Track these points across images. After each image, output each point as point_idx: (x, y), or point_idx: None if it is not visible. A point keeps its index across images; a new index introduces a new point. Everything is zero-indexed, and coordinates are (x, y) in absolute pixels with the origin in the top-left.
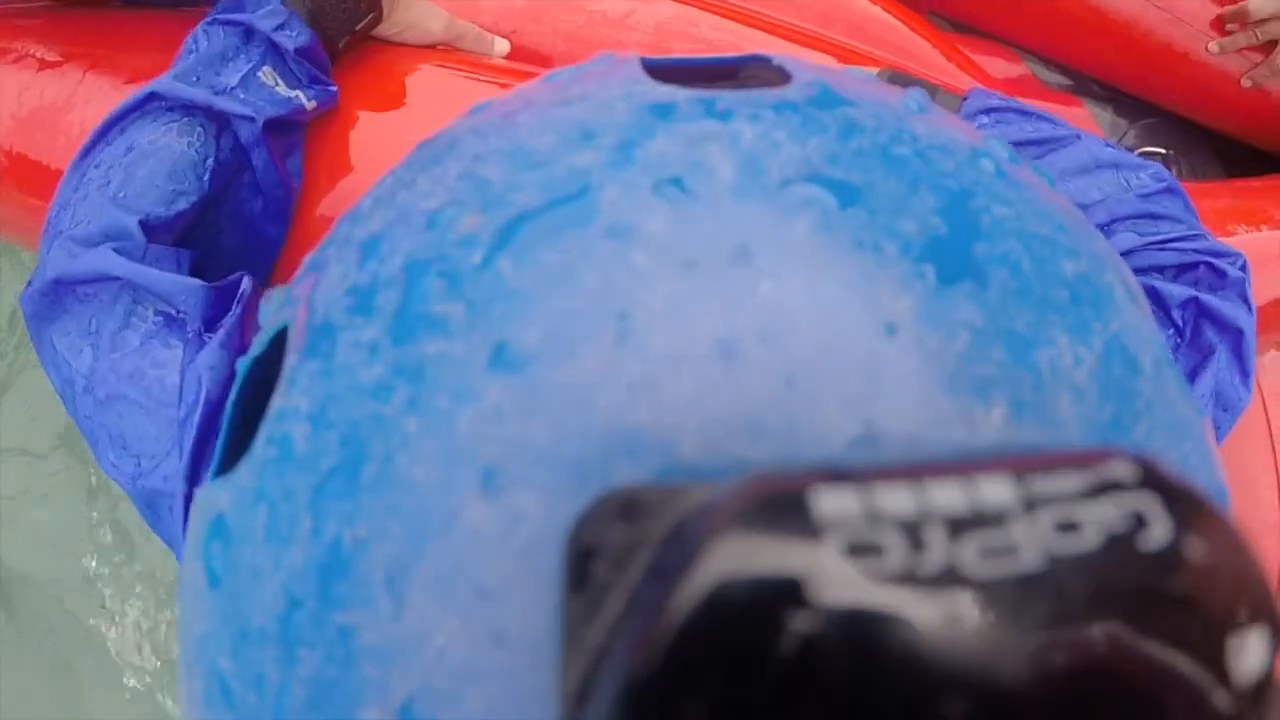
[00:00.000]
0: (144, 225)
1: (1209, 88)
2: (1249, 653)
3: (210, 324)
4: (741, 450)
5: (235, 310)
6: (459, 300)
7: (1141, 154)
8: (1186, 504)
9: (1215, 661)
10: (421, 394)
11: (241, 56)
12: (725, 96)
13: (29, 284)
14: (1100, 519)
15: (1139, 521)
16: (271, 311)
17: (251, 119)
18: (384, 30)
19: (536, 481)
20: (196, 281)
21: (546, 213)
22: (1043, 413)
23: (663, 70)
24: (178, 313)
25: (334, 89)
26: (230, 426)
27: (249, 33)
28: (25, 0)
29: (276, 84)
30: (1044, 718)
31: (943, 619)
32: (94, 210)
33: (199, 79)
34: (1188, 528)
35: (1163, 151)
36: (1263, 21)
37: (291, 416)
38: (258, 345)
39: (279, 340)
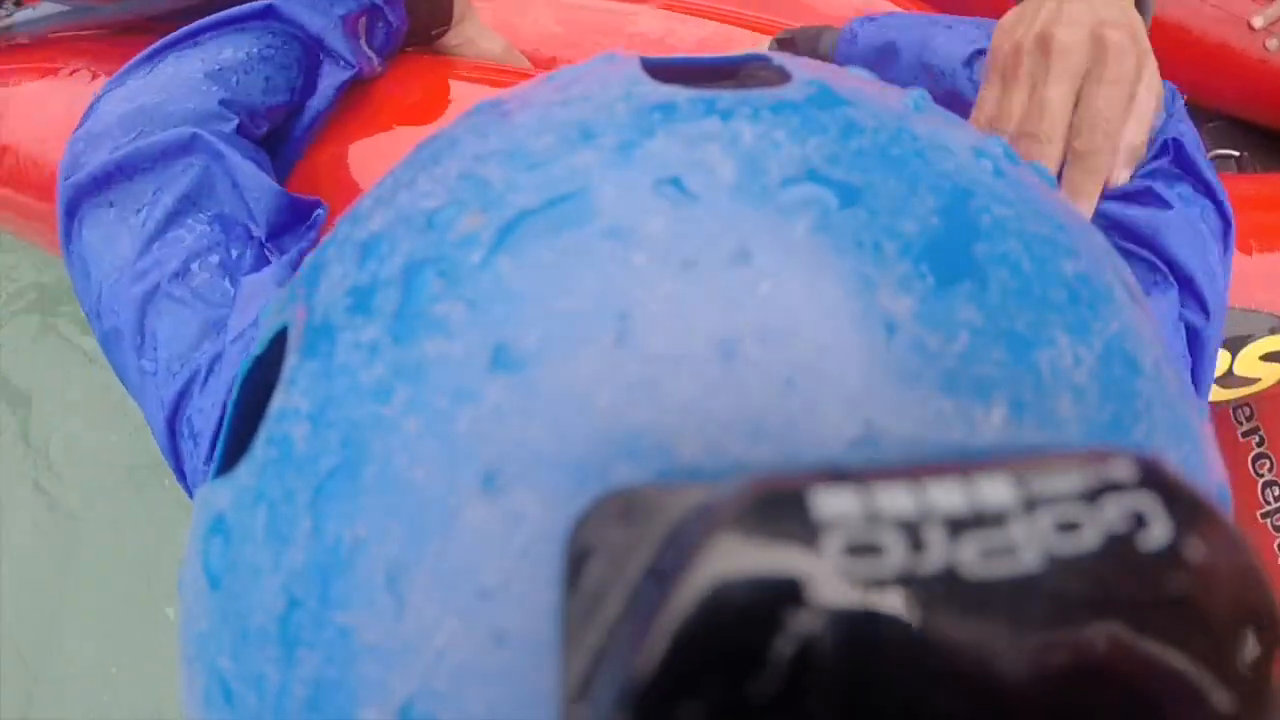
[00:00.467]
0: (230, 106)
1: (1273, 85)
2: (1249, 653)
3: (274, 233)
4: (741, 451)
5: (309, 234)
6: (459, 300)
7: (1212, 157)
8: (1186, 504)
9: (1215, 662)
10: (421, 394)
11: (345, 2)
12: (725, 96)
13: (73, 165)
14: (1100, 519)
15: (1139, 521)
16: (271, 311)
17: (352, 66)
18: (447, 40)
19: (536, 482)
20: (272, 182)
21: (546, 212)
22: (1043, 413)
23: (663, 70)
24: (247, 212)
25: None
26: (230, 426)
27: None
28: (78, 29)
29: (361, 36)
30: (1043, 718)
31: (942, 619)
32: (174, 86)
33: (315, 6)
34: (1187, 528)
35: (1235, 154)
36: None
37: (292, 417)
38: (258, 345)
39: (279, 340)
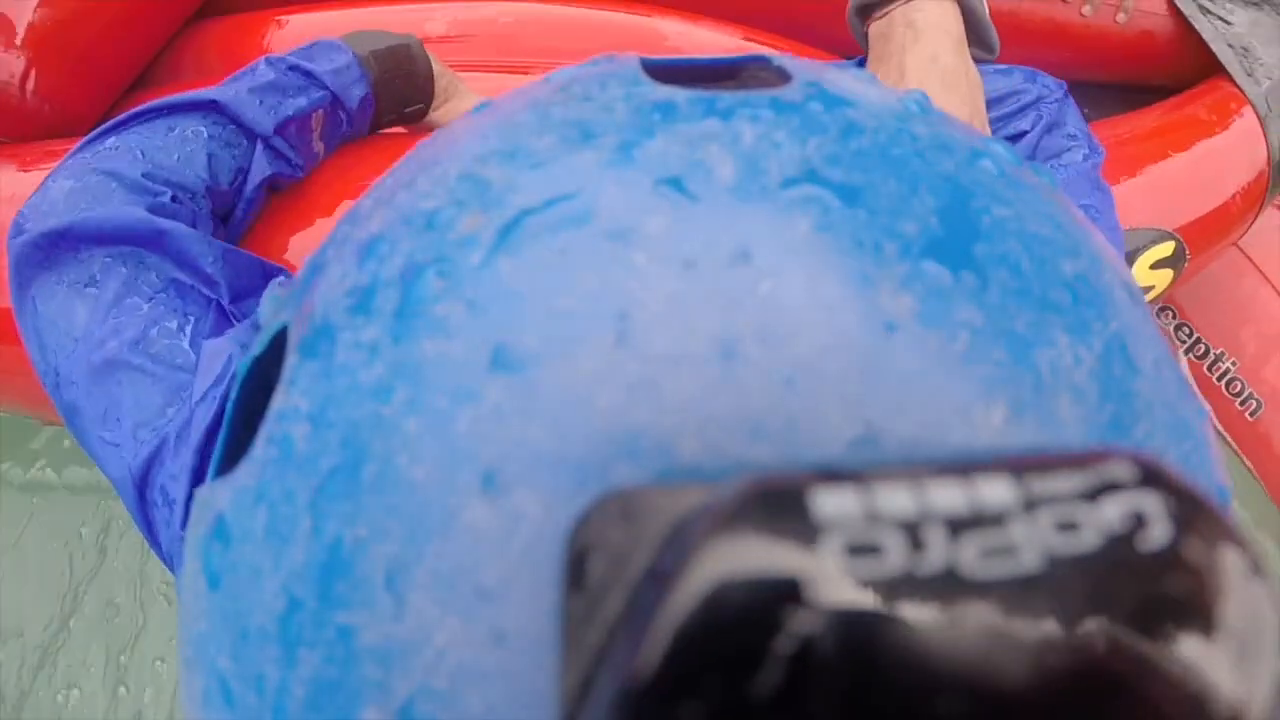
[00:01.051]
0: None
1: (1096, 48)
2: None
3: (237, 296)
4: (741, 451)
5: None
6: (459, 300)
7: None
8: (1186, 504)
9: (1215, 661)
10: (421, 394)
11: (303, 95)
12: (725, 97)
13: (18, 231)
14: (1100, 519)
15: (1138, 521)
16: (271, 311)
17: (294, 167)
18: (436, 119)
19: (536, 482)
20: (226, 245)
21: (546, 212)
22: (1043, 413)
23: (663, 70)
24: (203, 278)
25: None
26: (230, 427)
27: (318, 82)
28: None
29: (314, 131)
30: (1043, 718)
31: (942, 619)
32: (116, 160)
33: (262, 103)
34: (1187, 528)
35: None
36: None
37: (291, 417)
38: (258, 345)
39: (279, 340)
